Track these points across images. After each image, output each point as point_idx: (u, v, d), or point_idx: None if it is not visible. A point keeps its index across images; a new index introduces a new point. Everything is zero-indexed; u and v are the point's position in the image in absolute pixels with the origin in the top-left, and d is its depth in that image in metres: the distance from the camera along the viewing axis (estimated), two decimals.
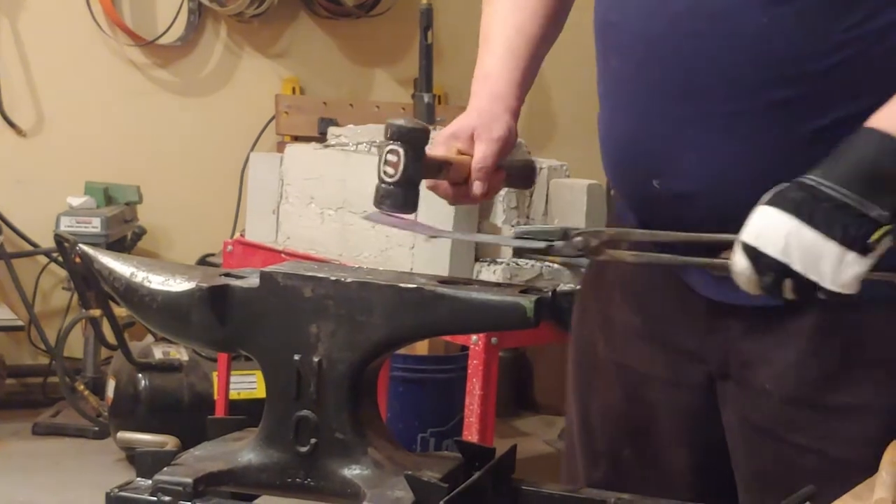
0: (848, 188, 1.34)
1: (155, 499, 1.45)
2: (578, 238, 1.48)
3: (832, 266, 1.34)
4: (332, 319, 1.48)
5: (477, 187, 1.65)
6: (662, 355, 1.69)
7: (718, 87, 1.51)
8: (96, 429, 4.56)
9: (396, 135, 1.58)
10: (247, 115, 5.24)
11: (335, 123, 4.67)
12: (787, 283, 1.36)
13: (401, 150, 1.57)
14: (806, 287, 1.35)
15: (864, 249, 1.34)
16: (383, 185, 1.59)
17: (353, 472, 1.47)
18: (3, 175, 5.01)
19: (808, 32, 1.47)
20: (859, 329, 1.53)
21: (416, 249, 3.14)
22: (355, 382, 1.48)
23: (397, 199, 1.59)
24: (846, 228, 1.33)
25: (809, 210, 1.34)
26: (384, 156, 1.58)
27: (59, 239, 4.40)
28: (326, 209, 3.44)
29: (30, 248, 4.96)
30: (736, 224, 1.40)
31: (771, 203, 1.37)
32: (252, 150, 5.06)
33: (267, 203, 3.62)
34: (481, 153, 1.65)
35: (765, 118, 1.50)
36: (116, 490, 1.47)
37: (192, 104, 5.32)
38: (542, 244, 1.49)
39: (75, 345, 4.81)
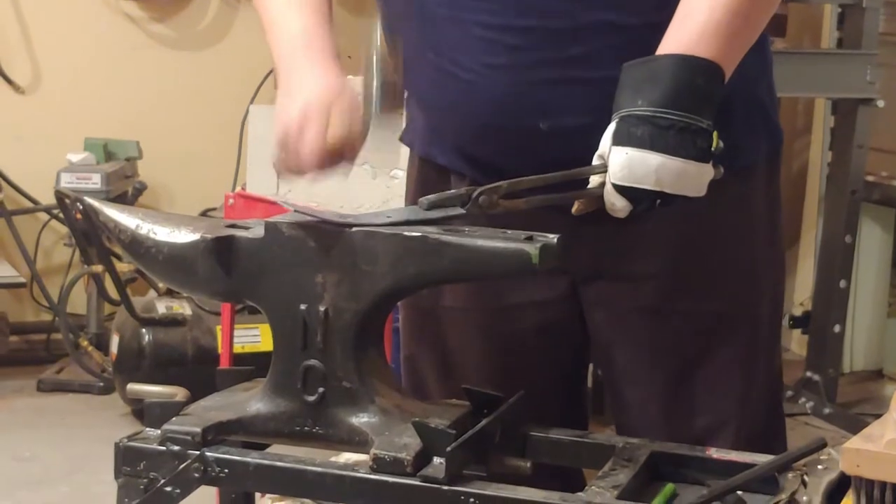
0: (680, 110, 1.50)
1: (164, 448, 1.46)
2: (483, 197, 1.48)
3: (695, 180, 1.52)
4: (337, 269, 1.48)
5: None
6: (519, 281, 1.77)
7: (600, 25, 1.62)
8: (101, 384, 4.56)
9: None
10: (246, 68, 5.21)
11: None
12: (657, 202, 1.52)
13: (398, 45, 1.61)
14: (672, 200, 1.52)
15: (710, 157, 1.52)
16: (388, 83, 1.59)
17: (360, 419, 1.48)
18: (3, 132, 4.99)
19: None
20: (719, 198, 1.61)
21: None
22: (361, 331, 1.49)
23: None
24: (696, 145, 1.51)
25: (663, 141, 1.49)
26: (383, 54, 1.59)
27: (60, 195, 4.40)
28: None
29: (30, 205, 4.95)
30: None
31: (623, 143, 1.51)
32: (252, 102, 5.04)
33: (267, 156, 3.58)
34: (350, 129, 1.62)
35: (631, 45, 1.59)
36: (125, 440, 1.48)
37: (191, 58, 5.30)
38: (461, 210, 1.49)
39: (78, 301, 4.81)
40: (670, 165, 1.50)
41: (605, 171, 1.53)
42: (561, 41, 1.63)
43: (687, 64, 1.52)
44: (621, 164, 1.51)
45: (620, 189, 1.51)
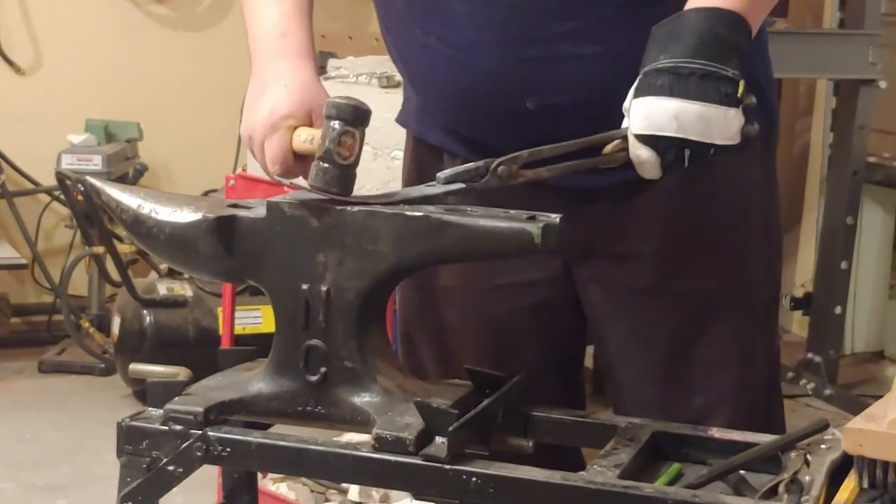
0: (703, 58, 1.48)
1: (166, 427, 1.46)
2: (502, 167, 1.47)
3: (721, 125, 1.48)
4: (339, 248, 1.48)
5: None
6: (514, 261, 1.76)
7: (590, 0, 1.61)
8: (102, 366, 4.57)
9: (353, 116, 1.50)
10: (246, 49, 5.18)
11: (334, 56, 4.64)
12: (686, 153, 1.48)
13: (357, 133, 1.50)
14: (702, 151, 1.49)
15: (737, 103, 1.49)
16: (333, 167, 1.49)
17: (362, 399, 1.48)
18: (3, 113, 4.98)
19: None
20: (712, 176, 1.63)
21: None
22: (363, 311, 1.49)
23: (350, 181, 1.50)
24: (719, 90, 1.48)
25: (683, 87, 1.47)
26: (337, 137, 1.49)
27: (61, 177, 4.39)
28: None
29: (31, 186, 4.95)
30: (601, 125, 1.52)
31: (644, 94, 1.49)
32: None
33: None
34: None
35: (620, 20, 1.60)
36: (128, 419, 1.49)
37: (191, 38, 5.29)
38: (461, 185, 1.48)
39: (79, 282, 4.81)
40: (690, 109, 1.47)
41: (626, 137, 1.50)
42: (550, 17, 1.62)
43: (709, 15, 1.51)
44: (642, 114, 1.48)
45: (643, 139, 1.49)
